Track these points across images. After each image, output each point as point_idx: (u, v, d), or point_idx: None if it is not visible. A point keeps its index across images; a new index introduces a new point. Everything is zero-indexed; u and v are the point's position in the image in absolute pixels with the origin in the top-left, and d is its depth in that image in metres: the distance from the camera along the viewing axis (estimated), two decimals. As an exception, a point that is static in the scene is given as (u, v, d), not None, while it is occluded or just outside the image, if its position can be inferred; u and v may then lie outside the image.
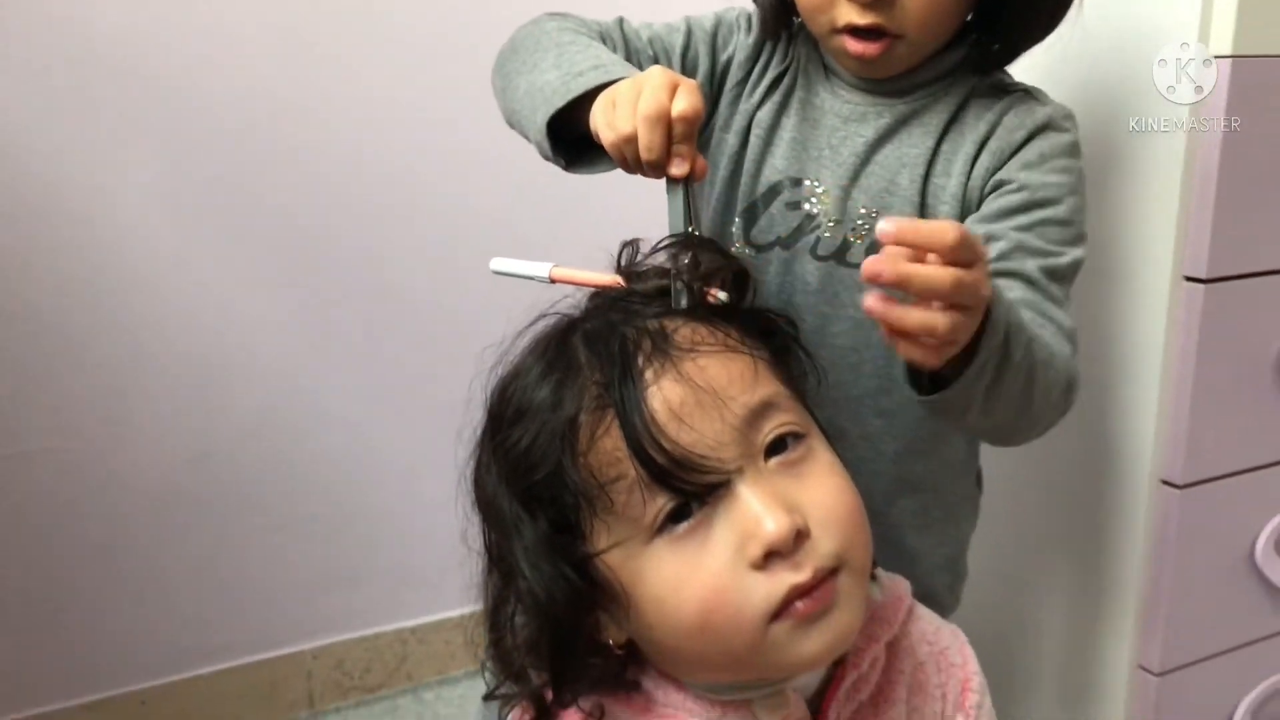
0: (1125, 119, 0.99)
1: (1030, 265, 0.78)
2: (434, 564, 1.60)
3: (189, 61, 1.37)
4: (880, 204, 0.85)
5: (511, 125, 0.87)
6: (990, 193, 0.82)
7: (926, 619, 0.72)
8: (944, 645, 0.71)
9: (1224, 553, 1.06)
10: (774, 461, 0.58)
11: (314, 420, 1.53)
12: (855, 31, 0.79)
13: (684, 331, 0.60)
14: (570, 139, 0.78)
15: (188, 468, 1.46)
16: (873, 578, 0.68)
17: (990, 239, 0.79)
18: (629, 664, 0.62)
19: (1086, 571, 1.10)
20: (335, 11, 1.43)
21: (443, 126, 1.50)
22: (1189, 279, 0.98)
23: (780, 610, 0.56)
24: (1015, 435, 0.77)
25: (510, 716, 0.65)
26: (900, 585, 0.71)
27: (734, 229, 0.90)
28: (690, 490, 0.56)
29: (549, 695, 0.62)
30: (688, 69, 0.90)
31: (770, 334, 0.65)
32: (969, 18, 0.85)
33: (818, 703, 0.64)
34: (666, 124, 0.67)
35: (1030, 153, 0.82)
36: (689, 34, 0.91)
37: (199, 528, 1.48)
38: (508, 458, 0.60)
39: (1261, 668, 1.12)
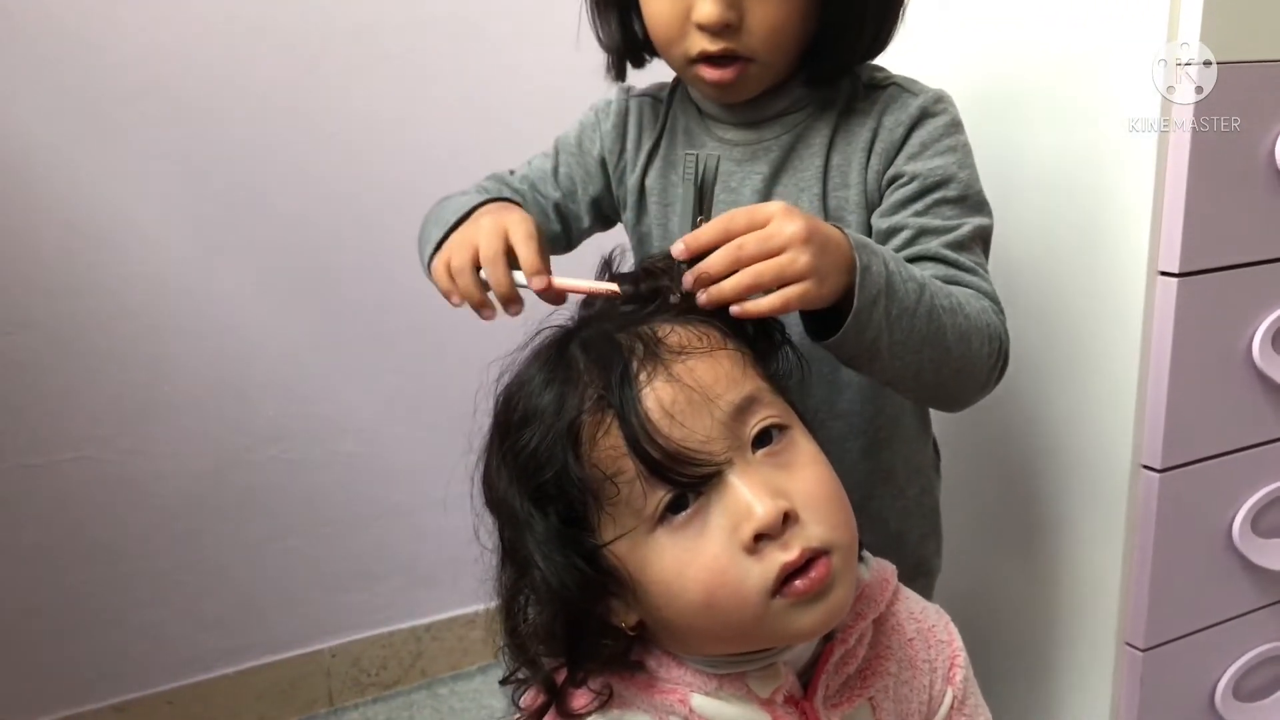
0: (1103, 121, 1.02)
1: (934, 244, 0.82)
2: (446, 563, 1.62)
3: (206, 81, 1.39)
4: None
5: None
6: (887, 188, 0.86)
7: (913, 600, 0.75)
8: (930, 623, 0.74)
9: (1203, 533, 1.09)
10: (761, 453, 0.62)
11: (328, 428, 1.55)
12: (709, 59, 0.83)
13: (673, 336, 0.63)
14: None
15: (208, 475, 1.48)
16: (860, 559, 0.72)
17: (894, 230, 0.84)
18: (634, 644, 0.65)
19: (1073, 553, 1.13)
20: (347, 30, 1.45)
21: (449, 141, 1.52)
22: (1163, 273, 1.00)
23: (778, 588, 0.59)
24: (947, 390, 0.78)
25: (523, 700, 0.68)
26: (887, 568, 0.74)
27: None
28: (685, 481, 0.59)
29: (559, 679, 0.65)
30: (563, 184, 0.99)
31: (760, 332, 0.69)
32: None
33: (808, 675, 0.67)
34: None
35: (913, 145, 0.86)
36: (557, 154, 0.99)
37: (220, 533, 1.51)
38: (517, 460, 0.63)
39: (1242, 642, 1.14)
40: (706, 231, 0.66)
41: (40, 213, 1.35)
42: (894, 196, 0.85)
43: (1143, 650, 1.09)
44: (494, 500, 0.66)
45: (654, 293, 0.68)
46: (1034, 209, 1.11)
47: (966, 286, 0.80)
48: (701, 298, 0.66)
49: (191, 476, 1.48)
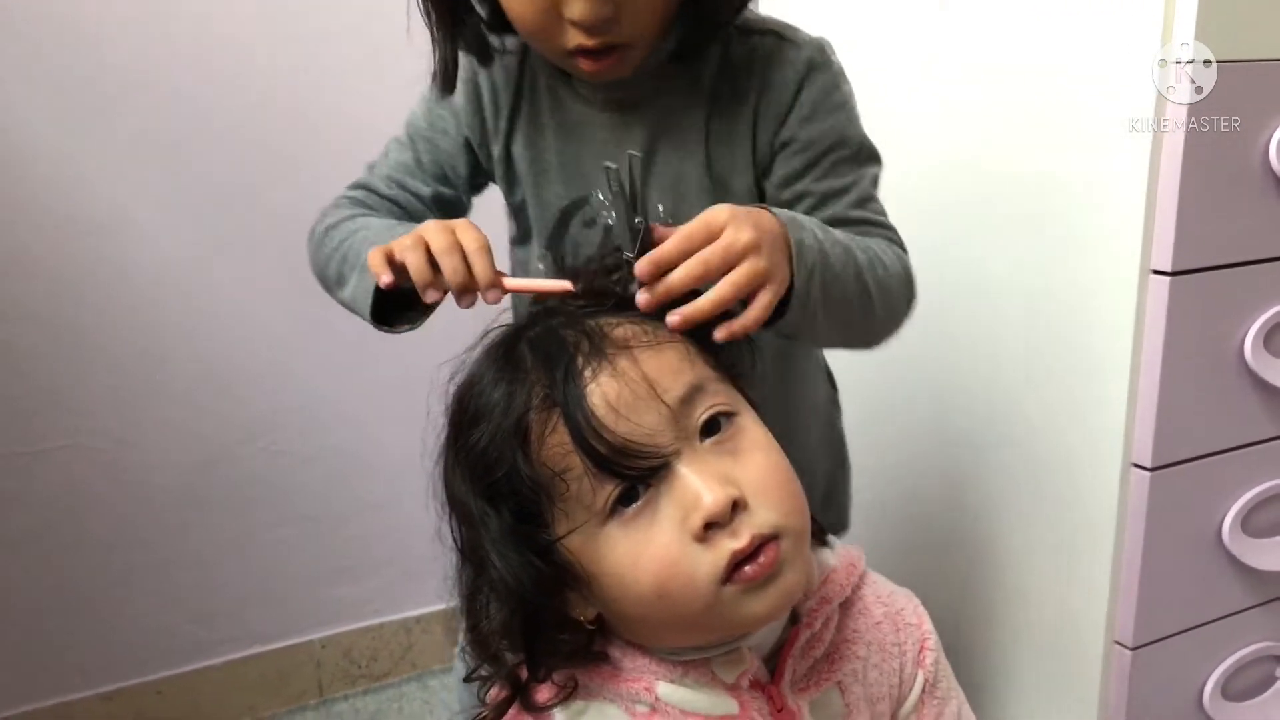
0: (1098, 119, 1.01)
1: (840, 207, 0.84)
2: (437, 555, 1.63)
3: (201, 74, 1.39)
4: (675, 195, 0.86)
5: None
6: (779, 151, 0.85)
7: (881, 583, 0.74)
8: (899, 607, 0.73)
9: (1193, 532, 1.08)
10: (709, 441, 0.61)
11: (318, 420, 1.55)
12: (585, 52, 0.78)
13: (619, 329, 0.63)
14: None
15: (200, 466, 1.49)
16: (826, 544, 0.72)
17: (799, 198, 0.84)
18: (597, 636, 0.65)
19: (1063, 551, 1.13)
20: (343, 26, 1.45)
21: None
22: (1156, 272, 0.99)
23: (728, 575, 0.59)
24: (870, 336, 0.82)
25: (489, 696, 0.68)
26: (854, 553, 0.73)
27: (544, 267, 0.91)
28: (632, 474, 0.59)
29: (524, 673, 0.65)
30: (430, 171, 0.93)
31: (704, 322, 0.67)
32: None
33: (774, 661, 0.67)
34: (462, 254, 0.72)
35: (804, 106, 0.84)
36: (413, 142, 0.93)
37: (211, 524, 1.51)
38: (469, 459, 0.63)
39: (1231, 641, 1.14)
40: (669, 248, 0.65)
41: (37, 205, 1.35)
42: (790, 164, 0.85)
43: (1131, 649, 1.08)
44: (451, 499, 0.66)
45: (607, 287, 0.67)
46: (1026, 205, 1.11)
47: (875, 227, 0.84)
48: (674, 319, 0.64)
49: (184, 467, 1.48)
